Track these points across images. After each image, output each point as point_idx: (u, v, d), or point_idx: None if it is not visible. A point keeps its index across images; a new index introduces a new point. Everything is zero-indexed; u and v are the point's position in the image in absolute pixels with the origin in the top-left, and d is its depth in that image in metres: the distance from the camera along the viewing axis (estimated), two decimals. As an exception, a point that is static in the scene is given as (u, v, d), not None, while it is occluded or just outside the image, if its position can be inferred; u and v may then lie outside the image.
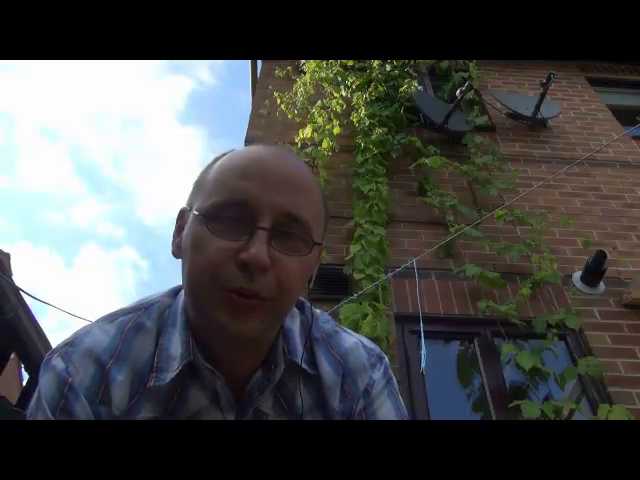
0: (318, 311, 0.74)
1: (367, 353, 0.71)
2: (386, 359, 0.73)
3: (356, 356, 0.69)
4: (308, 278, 0.60)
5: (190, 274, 0.55)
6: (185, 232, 0.57)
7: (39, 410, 0.57)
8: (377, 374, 0.69)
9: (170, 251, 0.62)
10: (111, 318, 0.63)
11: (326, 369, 0.66)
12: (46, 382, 0.58)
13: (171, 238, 0.63)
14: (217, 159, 0.61)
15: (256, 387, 0.62)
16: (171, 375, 0.58)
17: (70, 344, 0.59)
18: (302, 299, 0.71)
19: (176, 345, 0.60)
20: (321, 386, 0.66)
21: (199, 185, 0.59)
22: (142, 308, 0.64)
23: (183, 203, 0.63)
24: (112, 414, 0.58)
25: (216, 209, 0.53)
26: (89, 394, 0.57)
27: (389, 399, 0.69)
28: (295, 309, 0.69)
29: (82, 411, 0.56)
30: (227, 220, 0.53)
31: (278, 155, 0.58)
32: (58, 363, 0.58)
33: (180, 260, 0.58)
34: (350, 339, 0.71)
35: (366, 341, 0.73)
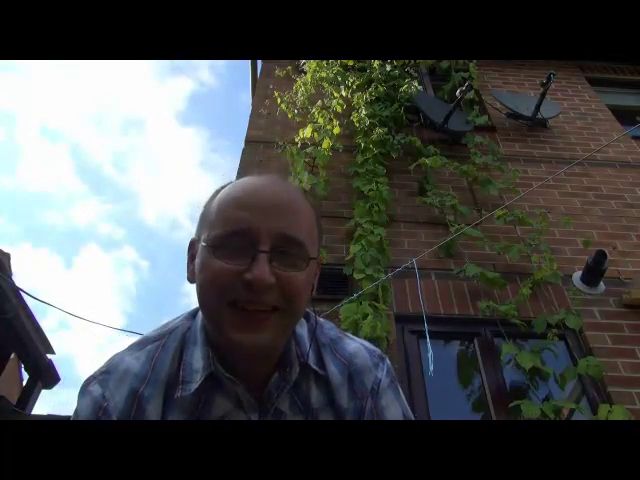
0: (322, 320, 0.80)
1: (369, 354, 0.77)
2: (387, 360, 0.79)
3: (360, 359, 0.75)
4: (310, 288, 0.65)
5: (201, 292, 0.61)
6: (196, 261, 0.63)
7: None
8: (381, 373, 0.76)
9: (185, 277, 0.69)
10: (139, 346, 0.69)
11: (333, 370, 0.72)
12: (83, 405, 0.64)
13: (185, 267, 0.70)
14: (217, 192, 0.67)
15: (274, 388, 0.68)
16: (195, 385, 0.64)
17: (107, 372, 0.66)
18: (307, 310, 0.77)
19: (198, 359, 0.66)
20: (330, 386, 0.72)
21: (204, 218, 0.66)
22: (167, 334, 0.71)
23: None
24: None
25: (220, 239, 0.60)
26: (122, 417, 0.62)
27: (395, 396, 0.76)
28: (302, 319, 0.75)
29: None
30: (231, 248, 0.59)
31: (270, 184, 0.65)
32: (96, 389, 0.64)
33: (195, 285, 0.64)
34: (353, 344, 0.78)
35: (367, 344, 0.80)
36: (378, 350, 0.79)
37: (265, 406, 0.68)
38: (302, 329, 0.74)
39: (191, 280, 0.66)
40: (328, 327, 0.79)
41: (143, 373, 0.65)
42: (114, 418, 0.62)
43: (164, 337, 0.70)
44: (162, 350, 0.68)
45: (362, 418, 0.72)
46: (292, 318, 0.64)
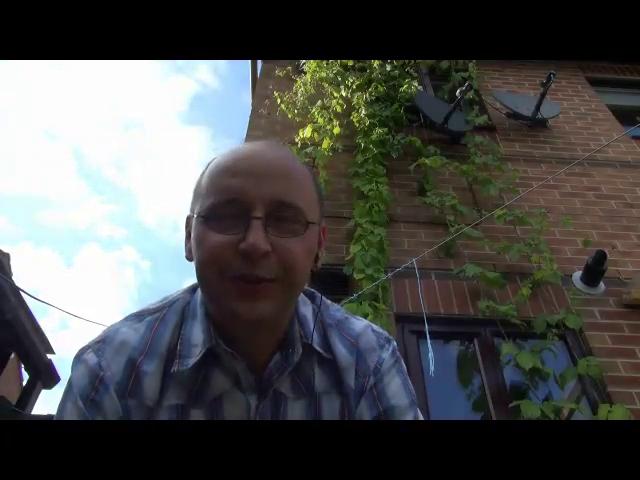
0: (328, 301, 0.78)
1: (376, 336, 0.76)
2: (394, 342, 0.77)
3: (366, 338, 0.74)
4: (313, 257, 0.63)
5: (199, 269, 0.59)
6: (192, 236, 0.61)
7: (69, 400, 0.61)
8: (386, 354, 0.74)
9: (184, 256, 0.66)
10: (139, 318, 0.67)
11: (341, 351, 0.71)
12: (78, 374, 0.62)
13: (183, 244, 0.67)
14: (209, 164, 0.64)
15: (275, 369, 0.66)
16: (194, 360, 0.62)
17: (103, 341, 0.64)
18: (313, 290, 0.76)
19: (197, 333, 0.64)
20: (337, 368, 0.70)
21: (196, 191, 0.63)
22: (167, 306, 0.69)
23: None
24: (145, 405, 0.62)
25: (213, 209, 0.58)
26: (119, 388, 0.61)
27: (397, 376, 0.74)
28: (307, 299, 0.74)
29: (110, 404, 0.60)
30: (224, 218, 0.57)
31: (262, 149, 0.62)
32: (91, 358, 0.62)
33: (194, 262, 0.61)
34: (360, 324, 0.76)
35: (374, 326, 0.78)
36: (385, 332, 0.78)
37: (264, 387, 0.66)
38: (306, 309, 0.72)
39: (189, 258, 0.64)
40: (334, 308, 0.77)
41: (142, 345, 0.63)
42: (111, 389, 0.60)
43: (164, 309, 0.68)
44: (161, 322, 0.66)
45: (362, 397, 0.71)
46: (292, 289, 0.60)
